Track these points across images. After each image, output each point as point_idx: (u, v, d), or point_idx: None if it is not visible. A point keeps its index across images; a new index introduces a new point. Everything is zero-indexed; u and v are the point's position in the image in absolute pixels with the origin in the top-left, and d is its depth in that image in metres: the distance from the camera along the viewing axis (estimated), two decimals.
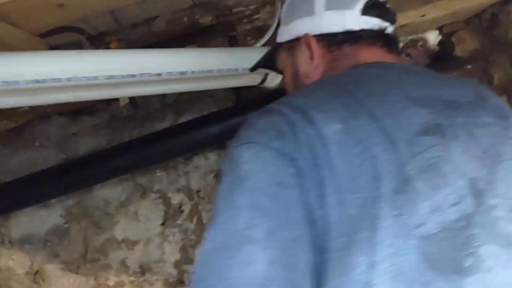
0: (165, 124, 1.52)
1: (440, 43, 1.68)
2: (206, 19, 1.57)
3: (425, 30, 1.67)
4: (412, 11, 1.49)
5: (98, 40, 1.57)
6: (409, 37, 1.71)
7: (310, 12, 0.83)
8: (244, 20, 1.55)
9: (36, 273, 1.55)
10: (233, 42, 1.44)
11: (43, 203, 1.54)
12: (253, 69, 0.98)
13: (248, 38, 1.58)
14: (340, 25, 0.80)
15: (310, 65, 0.82)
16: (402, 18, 1.51)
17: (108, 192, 1.53)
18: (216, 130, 1.45)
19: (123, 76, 1.03)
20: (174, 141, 1.48)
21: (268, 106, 0.64)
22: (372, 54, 0.78)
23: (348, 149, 0.56)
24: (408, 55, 1.75)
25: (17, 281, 1.53)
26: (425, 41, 1.68)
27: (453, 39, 1.65)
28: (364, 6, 0.80)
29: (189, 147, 1.50)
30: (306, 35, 0.82)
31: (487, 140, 0.64)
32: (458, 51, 1.64)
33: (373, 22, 0.80)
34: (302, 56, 0.84)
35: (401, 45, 1.75)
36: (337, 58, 0.80)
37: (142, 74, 1.06)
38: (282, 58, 0.92)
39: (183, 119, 1.52)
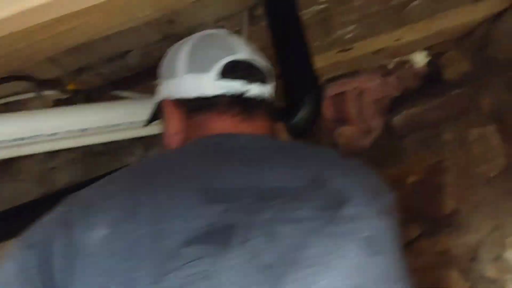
0: (134, 158, 1.53)
1: (429, 64, 1.55)
2: None
3: (412, 51, 1.55)
4: (384, 35, 1.39)
5: (76, 76, 1.62)
6: (395, 59, 1.60)
7: (173, 74, 0.79)
8: None
9: None
10: None
11: None
12: (146, 123, 0.95)
13: None
14: (196, 90, 0.75)
15: (170, 131, 0.78)
16: (376, 43, 1.42)
17: None
18: None
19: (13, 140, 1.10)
20: None
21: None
22: (221, 124, 0.73)
23: (105, 260, 0.52)
24: (397, 78, 1.63)
25: None
26: (412, 63, 1.56)
27: (442, 61, 1.51)
28: (221, 69, 0.74)
29: None
30: (165, 100, 0.79)
31: (291, 241, 0.57)
32: (448, 74, 1.50)
33: (231, 86, 0.74)
34: (166, 120, 0.80)
35: (391, 65, 1.65)
36: (191, 127, 0.75)
37: (34, 136, 1.15)
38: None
39: (152, 152, 1.52)
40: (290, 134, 1.22)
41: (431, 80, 1.52)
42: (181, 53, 0.78)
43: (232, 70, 0.74)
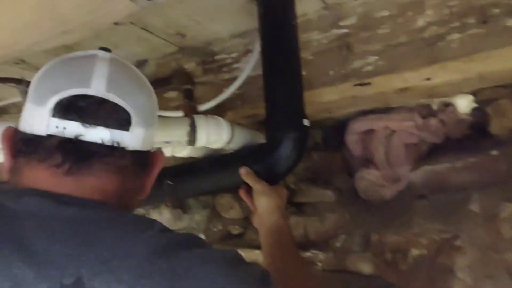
0: None
1: (475, 112, 1.26)
2: (190, 65, 1.47)
3: (453, 93, 1.27)
4: (411, 72, 1.14)
5: None
6: (438, 100, 1.32)
7: (26, 99, 0.65)
8: (224, 69, 1.41)
9: None
10: (188, 94, 1.31)
11: None
12: None
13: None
14: (29, 125, 0.61)
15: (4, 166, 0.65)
16: (399, 80, 1.18)
17: None
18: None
19: None
20: None
21: None
22: (36, 174, 0.59)
23: None
24: (441, 121, 1.35)
25: None
26: (454, 107, 1.28)
27: (489, 110, 1.21)
28: (56, 103, 0.60)
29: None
30: (6, 127, 0.65)
31: None
32: (494, 127, 1.20)
33: (62, 127, 0.59)
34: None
35: (434, 107, 1.37)
36: (14, 169, 0.62)
37: None
38: None
39: None
40: (261, 177, 1.05)
41: (474, 132, 1.23)
42: (35, 77, 0.66)
43: (68, 107, 0.60)
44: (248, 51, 1.36)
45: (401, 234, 1.17)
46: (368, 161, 1.46)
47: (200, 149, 1.14)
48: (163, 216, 1.40)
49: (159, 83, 1.40)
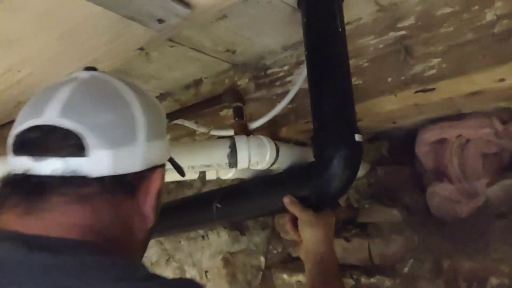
0: (192, 191, 1.46)
1: None
2: (243, 81, 1.43)
3: None
4: (481, 73, 1.00)
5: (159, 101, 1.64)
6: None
7: None
8: (277, 83, 1.35)
9: None
10: (238, 113, 1.26)
11: None
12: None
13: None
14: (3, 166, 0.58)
15: None
16: (467, 83, 1.04)
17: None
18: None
19: None
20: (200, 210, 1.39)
21: None
22: (8, 217, 0.55)
23: None
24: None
25: None
26: None
27: None
28: (13, 141, 0.57)
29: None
30: None
31: None
32: None
33: (16, 164, 0.56)
34: None
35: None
36: None
37: None
38: None
39: (207, 187, 1.43)
40: (310, 200, 0.97)
41: None
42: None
43: (19, 142, 0.57)
44: (299, 63, 1.29)
45: (478, 260, 1.02)
46: (441, 174, 1.31)
47: (246, 171, 1.09)
48: (221, 238, 1.37)
49: (212, 102, 1.37)
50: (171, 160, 0.74)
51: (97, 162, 0.57)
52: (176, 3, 0.63)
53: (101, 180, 0.57)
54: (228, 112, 1.45)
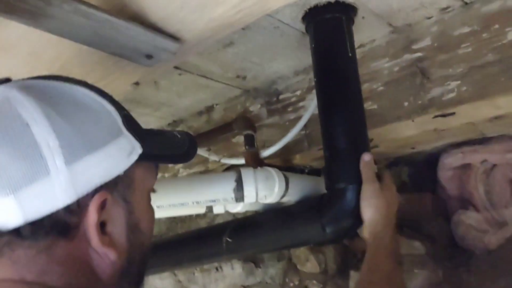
0: (205, 221, 1.42)
1: None
2: (255, 107, 1.39)
3: None
4: (503, 96, 0.93)
5: (172, 127, 1.61)
6: None
7: None
8: (289, 109, 1.30)
9: None
10: (248, 141, 1.22)
11: None
12: None
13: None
14: None
15: None
16: (489, 107, 0.97)
17: (160, 283, 1.52)
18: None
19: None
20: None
21: None
22: None
23: None
24: None
25: None
26: None
27: None
28: None
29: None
30: None
31: None
32: None
33: None
34: None
35: None
36: None
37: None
38: None
39: (219, 219, 1.38)
40: (324, 234, 0.91)
41: None
42: None
43: None
44: (311, 88, 1.25)
45: None
46: (466, 202, 1.23)
47: (255, 203, 1.04)
48: (235, 271, 1.31)
49: (223, 129, 1.33)
50: (146, 156, 0.56)
51: (3, 213, 0.47)
52: (163, 38, 0.60)
53: (16, 231, 0.47)
54: (240, 139, 1.41)
